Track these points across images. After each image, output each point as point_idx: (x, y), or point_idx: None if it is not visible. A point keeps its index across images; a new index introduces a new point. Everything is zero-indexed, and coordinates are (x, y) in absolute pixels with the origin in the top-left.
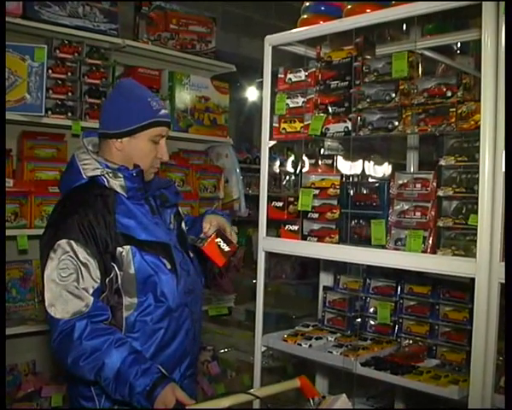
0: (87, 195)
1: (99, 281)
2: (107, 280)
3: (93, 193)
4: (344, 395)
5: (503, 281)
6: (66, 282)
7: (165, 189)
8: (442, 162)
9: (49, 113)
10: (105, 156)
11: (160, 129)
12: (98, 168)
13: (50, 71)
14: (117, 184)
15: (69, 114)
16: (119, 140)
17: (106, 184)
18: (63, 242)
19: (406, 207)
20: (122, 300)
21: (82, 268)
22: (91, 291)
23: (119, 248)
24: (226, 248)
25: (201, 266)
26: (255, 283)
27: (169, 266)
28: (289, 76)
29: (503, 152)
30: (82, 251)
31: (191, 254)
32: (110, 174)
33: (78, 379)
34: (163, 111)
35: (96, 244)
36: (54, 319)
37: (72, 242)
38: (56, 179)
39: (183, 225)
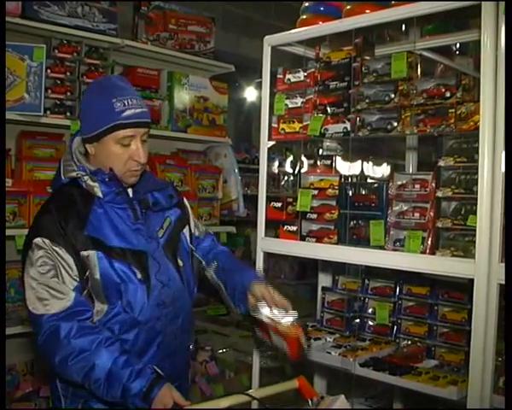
0: (64, 195)
1: (78, 279)
2: (83, 278)
3: (70, 194)
4: (342, 395)
5: (502, 282)
6: (46, 277)
7: (158, 191)
8: (441, 163)
9: (48, 112)
10: (87, 159)
11: (127, 131)
12: (74, 170)
13: (49, 71)
14: (93, 187)
15: (68, 114)
16: (92, 145)
17: (84, 186)
18: (38, 240)
19: (405, 207)
20: (94, 304)
21: (59, 265)
22: (72, 287)
23: (84, 252)
24: (304, 345)
25: (196, 275)
26: None
27: (139, 276)
28: (288, 76)
29: (503, 153)
30: (57, 249)
31: (180, 263)
32: (86, 177)
33: (54, 377)
34: (129, 112)
35: (70, 244)
36: (37, 317)
37: (46, 240)
38: None
39: (185, 231)
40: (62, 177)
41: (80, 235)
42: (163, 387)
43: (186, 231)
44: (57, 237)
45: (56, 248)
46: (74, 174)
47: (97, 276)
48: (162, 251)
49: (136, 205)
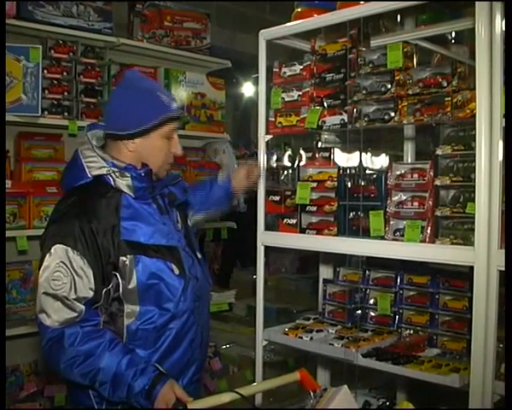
0: (91, 197)
1: (93, 292)
2: (103, 290)
3: (97, 194)
4: (345, 386)
5: (502, 268)
6: (58, 292)
7: (172, 185)
8: (438, 152)
9: (46, 113)
10: (112, 154)
11: (173, 124)
12: (104, 167)
13: (46, 71)
14: (123, 183)
15: (65, 114)
16: (132, 141)
17: (112, 183)
18: (60, 247)
19: (404, 197)
20: (123, 307)
21: (76, 278)
22: (83, 302)
23: (123, 258)
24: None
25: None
26: (255, 278)
27: (177, 272)
28: (284, 70)
29: (500, 140)
30: (79, 260)
31: (199, 255)
32: (117, 173)
33: (85, 386)
34: (174, 104)
35: (95, 254)
36: (43, 326)
37: (69, 249)
38: (54, 180)
39: (188, 221)
40: (88, 174)
41: (116, 241)
42: (165, 384)
43: (189, 221)
44: (82, 248)
45: (78, 258)
46: (104, 171)
47: (134, 280)
48: (187, 245)
49: (159, 199)
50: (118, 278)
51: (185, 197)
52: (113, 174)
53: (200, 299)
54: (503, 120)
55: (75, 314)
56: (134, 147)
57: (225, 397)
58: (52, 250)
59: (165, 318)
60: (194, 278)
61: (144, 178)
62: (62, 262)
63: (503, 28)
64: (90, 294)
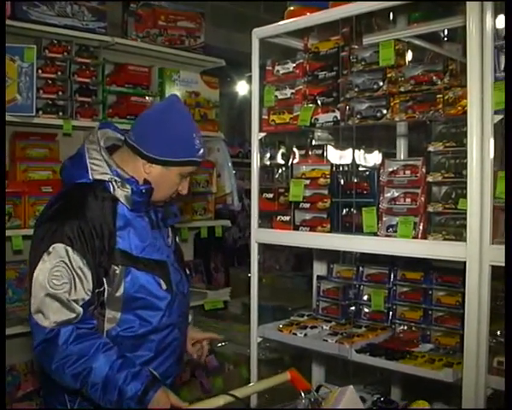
0: (90, 199)
1: (90, 293)
2: (96, 291)
3: (96, 197)
4: (351, 386)
5: (494, 263)
6: (58, 291)
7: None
8: (430, 148)
9: (40, 113)
10: (119, 161)
11: (194, 167)
12: (107, 174)
13: (40, 71)
14: (122, 194)
15: (60, 114)
16: (151, 165)
17: (111, 190)
18: (60, 246)
19: (397, 194)
20: (104, 312)
21: (76, 279)
22: (81, 303)
23: (114, 266)
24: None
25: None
26: (250, 276)
27: (164, 287)
28: (277, 68)
29: (491, 137)
30: (78, 260)
31: (188, 272)
32: (118, 183)
33: (59, 390)
34: (201, 151)
35: (93, 256)
36: (39, 327)
37: (69, 248)
38: (49, 179)
39: (177, 238)
40: (90, 176)
41: (111, 247)
42: (158, 390)
43: (176, 237)
44: (81, 248)
45: (78, 259)
46: (106, 177)
47: (121, 290)
48: (175, 261)
49: (152, 214)
50: (104, 284)
51: (174, 222)
52: (114, 183)
53: (184, 314)
54: (494, 116)
55: (73, 315)
56: (150, 171)
57: (220, 401)
58: (51, 249)
59: (146, 329)
60: (180, 294)
61: (143, 195)
62: (63, 261)
63: (495, 26)
64: (88, 295)
